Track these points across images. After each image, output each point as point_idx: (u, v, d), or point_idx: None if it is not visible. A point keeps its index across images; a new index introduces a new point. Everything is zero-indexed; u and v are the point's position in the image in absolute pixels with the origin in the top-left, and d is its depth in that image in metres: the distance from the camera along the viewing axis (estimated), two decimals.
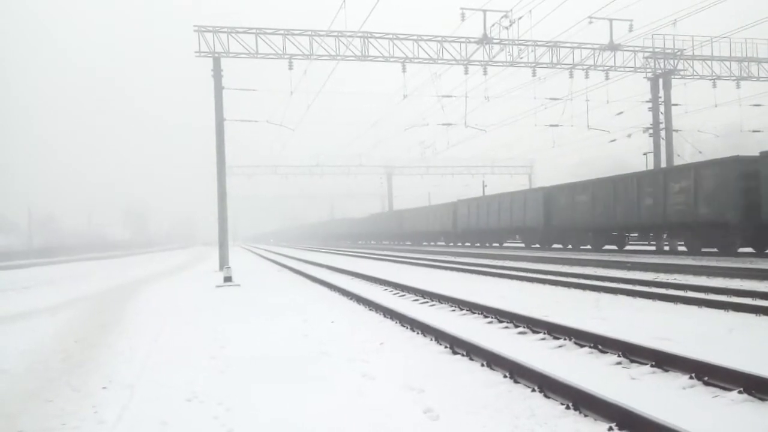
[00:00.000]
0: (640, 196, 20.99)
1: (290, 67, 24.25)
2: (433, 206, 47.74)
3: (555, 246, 28.67)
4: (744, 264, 14.61)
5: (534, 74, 26.29)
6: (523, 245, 32.22)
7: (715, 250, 18.79)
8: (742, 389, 4.48)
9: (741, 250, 18.37)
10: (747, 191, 17.08)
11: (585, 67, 26.51)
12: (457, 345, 6.53)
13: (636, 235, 25.69)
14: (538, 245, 29.13)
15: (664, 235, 23.27)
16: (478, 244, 36.65)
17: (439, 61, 25.24)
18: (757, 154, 17.08)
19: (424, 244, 49.08)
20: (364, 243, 66.63)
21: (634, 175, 22.05)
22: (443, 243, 44.70)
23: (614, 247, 24.56)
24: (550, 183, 31.11)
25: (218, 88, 23.70)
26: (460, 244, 40.08)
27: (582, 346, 6.47)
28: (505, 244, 35.69)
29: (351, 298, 12.12)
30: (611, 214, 22.56)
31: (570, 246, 26.68)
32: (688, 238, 20.29)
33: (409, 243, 52.78)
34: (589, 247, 25.30)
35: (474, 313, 9.30)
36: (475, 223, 36.03)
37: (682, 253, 20.50)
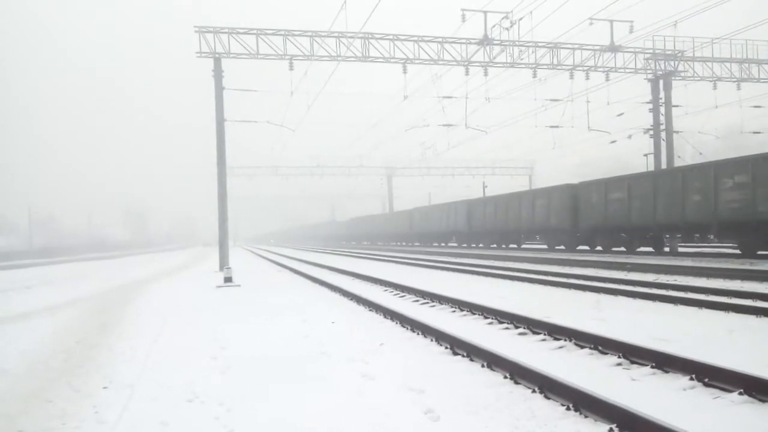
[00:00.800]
0: (686, 193, 19.10)
1: (291, 68, 24.27)
2: (445, 204, 44.67)
3: (580, 248, 26.28)
4: (744, 266, 14.61)
5: (534, 75, 26.31)
6: (545, 247, 29.78)
7: None
8: (742, 390, 4.48)
9: None
10: None
11: (585, 68, 26.53)
12: (457, 346, 6.53)
13: (679, 236, 23.36)
14: (563, 247, 27.01)
15: (711, 236, 21.27)
16: (494, 246, 34.24)
17: (440, 62, 25.26)
18: None
19: (435, 245, 46.96)
20: (368, 244, 65.98)
21: (678, 170, 20.36)
22: (455, 244, 42.76)
23: (650, 249, 22.39)
24: (550, 184, 31.11)
25: (219, 89, 23.72)
26: (474, 245, 37.34)
27: (582, 347, 6.47)
28: (523, 246, 33.71)
29: (351, 299, 12.12)
30: (650, 212, 20.56)
31: (600, 248, 24.51)
32: (743, 239, 18.49)
33: (417, 244, 50.72)
34: (623, 249, 23.18)
35: (474, 313, 9.30)
36: (491, 223, 33.71)
37: (681, 254, 20.48)
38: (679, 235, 23.15)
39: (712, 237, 21.74)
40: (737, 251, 19.28)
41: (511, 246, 33.44)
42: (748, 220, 17.18)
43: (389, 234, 57.78)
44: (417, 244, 50.74)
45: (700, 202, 18.74)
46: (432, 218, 45.11)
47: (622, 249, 23.21)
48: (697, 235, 22.28)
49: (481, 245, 36.92)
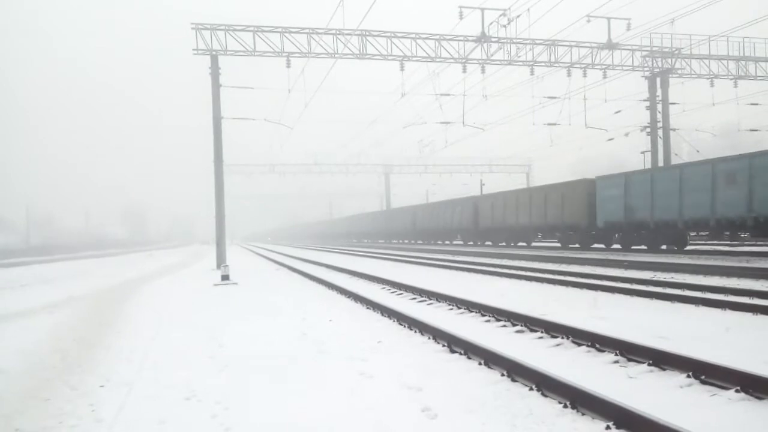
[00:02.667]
0: (716, 187, 17.50)
1: (288, 65, 24.23)
2: (451, 201, 43.61)
3: (596, 246, 25.14)
4: (741, 263, 14.65)
5: (532, 73, 26.32)
6: (557, 245, 28.77)
7: None
8: (739, 388, 4.50)
9: None
10: None
11: (583, 65, 26.55)
12: (454, 343, 6.53)
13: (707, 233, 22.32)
14: (577, 245, 25.68)
15: (744, 234, 20.11)
16: (503, 244, 33.23)
17: (438, 60, 25.25)
18: None
19: (439, 243, 46.22)
20: (368, 242, 65.80)
21: (745, 157, 17.44)
22: (461, 242, 42.07)
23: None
24: (548, 181, 31.10)
25: (216, 86, 23.65)
26: (480, 243, 36.71)
27: (580, 344, 6.48)
28: (533, 244, 32.96)
29: (349, 297, 12.12)
30: (675, 208, 19.09)
31: (632, 247, 22.56)
32: None
33: (420, 242, 50.35)
34: (664, 247, 21.35)
35: (472, 311, 9.31)
36: (500, 220, 32.49)
37: (679, 252, 20.51)
38: (707, 233, 21.84)
39: (745, 234, 20.66)
40: None
41: (520, 244, 32.33)
42: None
43: (391, 232, 57.40)
44: (420, 242, 49.99)
45: (732, 197, 17.28)
46: (436, 215, 44.02)
47: (643, 247, 22.24)
48: (728, 233, 20.99)
49: (488, 243, 35.88)
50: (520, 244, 32.80)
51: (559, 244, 28.62)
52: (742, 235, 21.05)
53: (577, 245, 26.03)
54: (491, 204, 34.01)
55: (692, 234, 22.99)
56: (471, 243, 38.02)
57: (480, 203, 36.12)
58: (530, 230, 30.88)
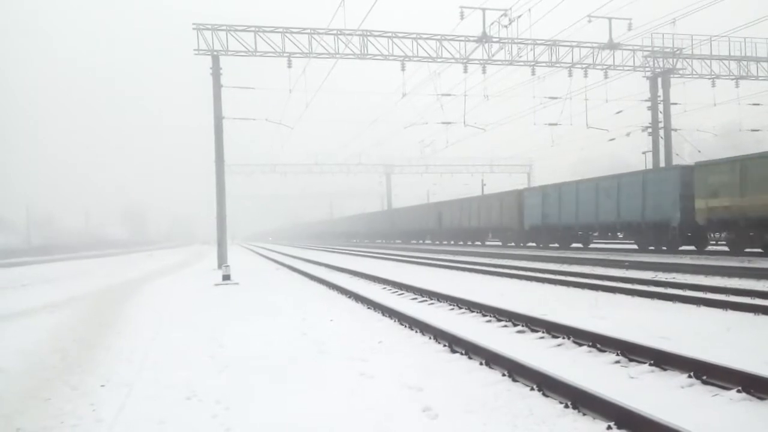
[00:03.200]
0: (621, 196, 19.11)
1: (289, 66, 24.22)
2: (422, 206, 45.93)
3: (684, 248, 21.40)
4: (742, 263, 14.63)
5: (533, 73, 26.28)
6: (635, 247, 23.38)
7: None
8: (740, 388, 4.49)
9: None
10: None
11: (584, 65, 26.52)
12: (455, 344, 6.52)
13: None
14: (664, 248, 21.12)
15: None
16: (557, 245, 28.01)
17: (438, 60, 25.22)
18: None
19: (413, 242, 47.65)
20: (368, 242, 65.91)
21: (615, 177, 20.10)
22: (429, 241, 43.82)
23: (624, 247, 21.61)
24: (550, 181, 31.05)
25: (217, 86, 23.65)
26: (522, 244, 31.60)
27: (581, 344, 6.47)
28: (487, 242, 33.88)
29: (350, 297, 12.11)
30: (592, 213, 21.24)
31: (549, 245, 24.97)
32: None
33: (398, 241, 51.83)
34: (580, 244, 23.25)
35: (473, 311, 9.30)
36: (458, 223, 35.04)
37: (679, 252, 20.49)
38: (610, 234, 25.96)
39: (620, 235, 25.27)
40: None
41: (574, 245, 28.50)
42: None
43: (376, 232, 57.95)
44: (398, 241, 52.12)
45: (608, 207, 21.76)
46: (412, 218, 46.90)
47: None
48: (610, 234, 25.95)
49: (451, 242, 39.50)
50: (476, 243, 37.48)
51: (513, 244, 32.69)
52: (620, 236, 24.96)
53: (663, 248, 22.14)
54: (451, 209, 39.53)
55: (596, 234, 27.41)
56: (512, 244, 35.09)
57: (442, 209, 41.30)
58: (481, 231, 36.10)
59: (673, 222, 19.84)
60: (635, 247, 22.78)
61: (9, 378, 6.16)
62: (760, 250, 17.44)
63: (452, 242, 41.18)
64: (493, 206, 33.14)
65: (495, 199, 33.46)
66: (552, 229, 27.27)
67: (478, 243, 37.03)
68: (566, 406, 4.34)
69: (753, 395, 4.40)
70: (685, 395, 4.65)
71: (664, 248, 20.85)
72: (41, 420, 4.64)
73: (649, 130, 29.11)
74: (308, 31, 24.28)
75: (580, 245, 27.18)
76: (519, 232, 30.65)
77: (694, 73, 28.43)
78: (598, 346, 6.22)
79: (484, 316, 8.85)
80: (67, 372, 6.25)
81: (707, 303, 8.87)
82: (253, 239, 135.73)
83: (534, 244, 29.67)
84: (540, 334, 7.24)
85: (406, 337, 7.50)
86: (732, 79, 28.60)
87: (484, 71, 25.75)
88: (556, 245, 27.55)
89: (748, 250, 17.73)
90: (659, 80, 28.47)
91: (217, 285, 16.20)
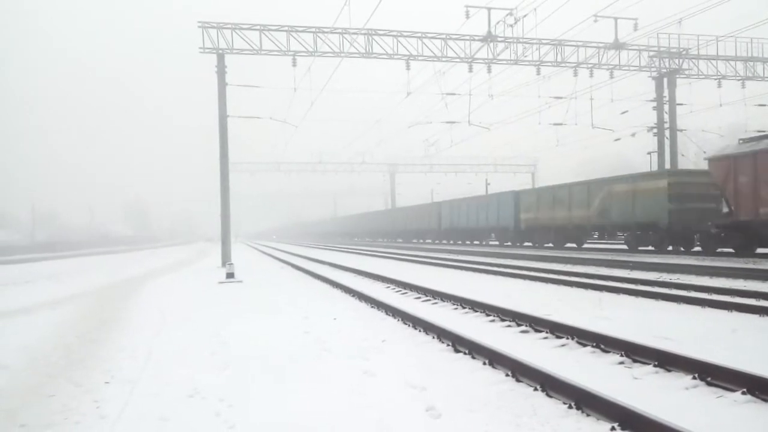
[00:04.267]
0: (496, 209, 21.57)
1: (294, 64, 24.24)
2: (422, 206, 47.69)
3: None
4: (747, 264, 14.57)
5: (538, 72, 26.25)
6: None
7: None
8: (745, 390, 4.46)
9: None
10: None
11: (589, 65, 26.46)
12: (459, 343, 6.51)
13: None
14: (508, 243, 28.87)
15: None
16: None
17: (443, 59, 25.22)
18: None
19: (414, 241, 48.55)
20: (369, 241, 65.89)
21: (493, 195, 23.22)
22: (430, 240, 45.46)
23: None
24: (555, 182, 31.01)
25: (222, 85, 23.69)
26: (443, 241, 39.05)
27: (584, 345, 6.45)
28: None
29: (353, 296, 12.11)
30: (484, 219, 27.89)
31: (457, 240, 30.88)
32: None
33: (400, 240, 52.82)
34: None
35: (477, 311, 9.28)
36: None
37: (683, 253, 20.42)
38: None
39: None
40: None
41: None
42: None
43: (379, 231, 58.37)
44: (399, 240, 53.14)
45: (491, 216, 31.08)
46: (412, 217, 48.36)
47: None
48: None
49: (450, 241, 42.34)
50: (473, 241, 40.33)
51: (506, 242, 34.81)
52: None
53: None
54: (450, 208, 41.65)
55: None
56: (437, 241, 45.21)
57: (442, 208, 43.43)
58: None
59: (510, 226, 31.76)
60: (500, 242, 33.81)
61: (13, 374, 6.18)
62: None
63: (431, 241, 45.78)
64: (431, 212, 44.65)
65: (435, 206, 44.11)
66: (456, 230, 40.08)
67: (469, 242, 40.22)
68: (570, 407, 4.33)
69: (758, 397, 4.38)
70: (689, 397, 4.62)
71: (508, 243, 33.05)
72: (45, 416, 4.65)
73: (655, 130, 29.02)
74: (313, 29, 24.29)
75: (477, 242, 38.43)
76: (437, 231, 43.73)
77: (700, 73, 28.33)
78: (602, 346, 6.20)
79: (488, 315, 8.83)
80: (70, 368, 6.26)
81: (712, 304, 8.83)
82: (257, 237, 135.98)
83: (509, 243, 33.56)
84: (544, 334, 7.22)
85: (410, 336, 7.49)
86: (738, 80, 28.49)
87: (489, 70, 25.74)
88: (460, 242, 40.57)
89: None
90: (665, 80, 28.38)
91: (220, 283, 16.22)
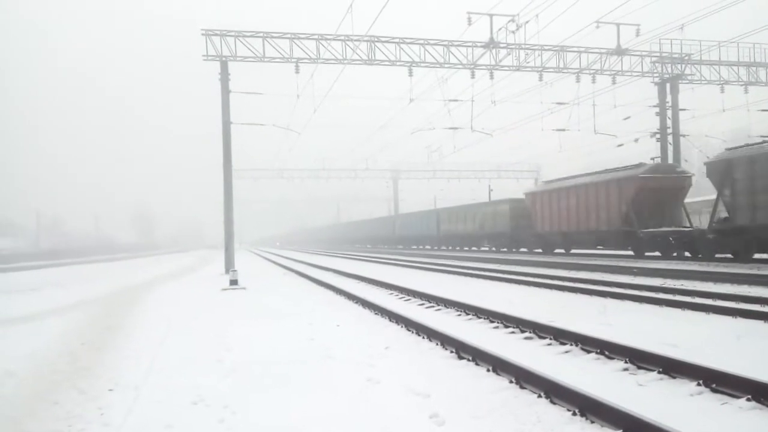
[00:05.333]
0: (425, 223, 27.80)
1: (297, 71, 24.29)
2: (423, 212, 51.61)
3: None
4: (752, 270, 14.52)
5: (541, 78, 26.25)
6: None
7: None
8: (750, 397, 4.44)
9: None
10: None
11: (592, 71, 26.47)
12: (462, 350, 6.51)
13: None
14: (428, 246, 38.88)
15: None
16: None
17: (446, 65, 25.25)
18: None
19: (414, 247, 50.88)
20: (371, 247, 66.02)
21: (433, 211, 29.55)
22: (429, 246, 47.98)
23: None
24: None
25: (225, 92, 23.77)
26: (441, 247, 43.87)
27: (588, 351, 6.43)
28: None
29: (356, 302, 12.11)
30: (425, 229, 34.27)
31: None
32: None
33: (400, 246, 54.48)
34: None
35: (480, 317, 9.27)
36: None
37: (687, 259, 20.37)
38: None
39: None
40: None
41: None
42: None
43: (379, 237, 60.52)
44: (400, 246, 54.81)
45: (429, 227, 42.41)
46: (415, 223, 50.39)
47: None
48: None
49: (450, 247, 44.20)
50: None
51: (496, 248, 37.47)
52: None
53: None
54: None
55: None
56: (436, 247, 47.36)
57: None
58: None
59: (434, 234, 43.11)
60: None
61: (18, 381, 6.20)
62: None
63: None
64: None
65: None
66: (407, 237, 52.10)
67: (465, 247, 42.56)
68: (574, 414, 4.31)
69: (763, 404, 4.36)
70: (694, 403, 4.61)
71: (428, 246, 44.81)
72: (50, 423, 4.66)
73: (658, 135, 28.97)
74: (316, 37, 24.38)
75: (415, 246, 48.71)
76: (391, 237, 55.25)
77: (702, 78, 28.31)
78: (606, 353, 6.19)
79: (492, 322, 8.82)
80: (75, 375, 6.27)
81: (716, 310, 8.80)
82: (261, 244, 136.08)
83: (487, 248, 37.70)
84: (548, 340, 7.21)
85: (413, 343, 7.48)
86: (741, 85, 28.46)
87: (491, 77, 25.74)
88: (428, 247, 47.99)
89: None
90: (668, 86, 28.36)
91: (224, 290, 16.24)
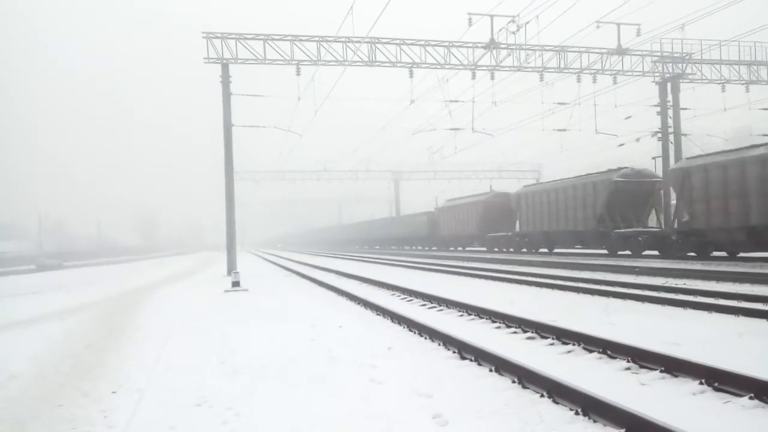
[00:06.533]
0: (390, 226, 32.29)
1: (298, 73, 24.30)
2: (414, 214, 54.27)
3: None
4: (754, 269, 14.51)
5: (541, 79, 26.22)
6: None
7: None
8: (752, 395, 4.45)
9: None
10: None
11: (593, 71, 26.44)
12: (465, 350, 6.51)
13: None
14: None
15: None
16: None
17: (447, 66, 25.24)
18: None
19: (407, 247, 53.21)
20: (384, 249, 65.91)
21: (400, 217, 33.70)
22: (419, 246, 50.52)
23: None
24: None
25: (226, 94, 23.79)
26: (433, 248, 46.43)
27: (591, 351, 6.43)
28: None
29: (359, 303, 12.12)
30: (392, 232, 37.27)
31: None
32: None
33: (394, 246, 57.38)
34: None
35: (482, 318, 9.28)
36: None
37: (689, 258, 20.36)
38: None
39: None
40: None
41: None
42: None
43: (376, 238, 62.60)
44: (394, 246, 57.60)
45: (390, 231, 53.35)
46: (406, 223, 53.61)
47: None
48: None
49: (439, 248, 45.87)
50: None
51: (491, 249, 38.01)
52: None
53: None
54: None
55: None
56: (427, 248, 49.60)
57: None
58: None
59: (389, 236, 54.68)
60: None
61: (22, 384, 6.22)
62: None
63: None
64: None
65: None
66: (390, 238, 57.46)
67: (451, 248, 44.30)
68: (577, 413, 4.32)
69: (766, 402, 4.36)
70: (696, 402, 4.61)
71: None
72: (53, 426, 4.68)
73: (659, 135, 28.95)
74: (317, 38, 24.40)
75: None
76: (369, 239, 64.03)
77: (703, 77, 28.27)
78: (609, 352, 6.19)
79: (494, 322, 8.82)
80: (79, 378, 6.29)
81: (718, 309, 8.80)
82: (263, 246, 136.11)
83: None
84: (550, 340, 7.22)
85: (416, 344, 7.49)
86: (742, 84, 28.41)
87: (492, 77, 25.73)
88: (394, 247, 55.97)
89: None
90: (669, 85, 28.32)
91: (226, 291, 16.26)
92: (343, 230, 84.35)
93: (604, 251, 24.99)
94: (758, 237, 17.34)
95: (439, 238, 43.73)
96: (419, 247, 49.98)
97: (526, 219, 30.35)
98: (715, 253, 19.70)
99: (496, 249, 34.81)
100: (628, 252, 23.16)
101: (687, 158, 21.22)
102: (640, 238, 22.63)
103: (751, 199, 17.25)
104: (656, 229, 23.14)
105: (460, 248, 41.57)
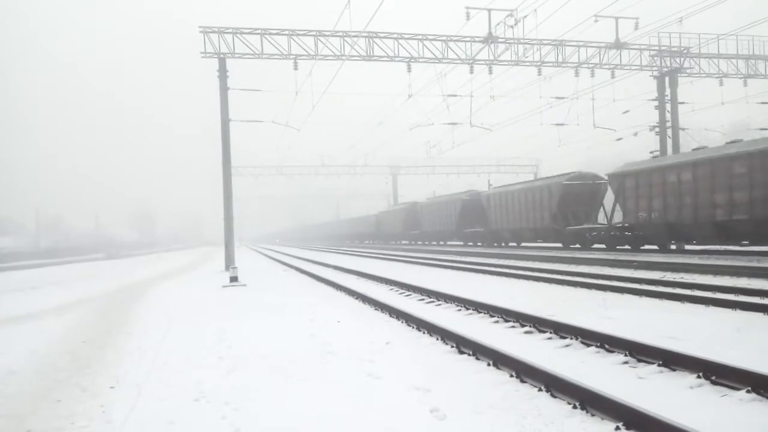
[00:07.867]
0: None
1: (295, 68, 24.24)
2: (399, 209, 55.47)
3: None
4: (751, 263, 14.53)
5: (539, 73, 26.20)
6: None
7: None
8: (750, 389, 4.46)
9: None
10: None
11: (591, 65, 26.41)
12: (463, 344, 6.52)
13: None
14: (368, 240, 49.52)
15: None
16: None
17: (444, 61, 25.20)
18: None
19: (402, 242, 53.41)
20: (369, 243, 66.08)
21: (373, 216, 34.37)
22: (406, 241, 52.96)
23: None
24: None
25: (224, 89, 23.74)
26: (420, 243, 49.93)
27: (589, 345, 6.45)
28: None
29: (357, 298, 12.13)
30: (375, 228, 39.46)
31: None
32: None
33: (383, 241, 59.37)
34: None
35: (480, 312, 9.29)
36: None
37: (687, 252, 20.40)
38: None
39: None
40: None
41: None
42: None
43: (367, 233, 63.55)
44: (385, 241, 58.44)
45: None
46: (395, 219, 54.29)
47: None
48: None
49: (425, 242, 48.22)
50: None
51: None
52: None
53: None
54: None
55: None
56: (419, 243, 50.52)
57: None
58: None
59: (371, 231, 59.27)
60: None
61: (20, 379, 6.22)
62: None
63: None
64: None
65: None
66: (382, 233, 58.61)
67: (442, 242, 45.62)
68: (574, 407, 4.34)
69: (763, 396, 4.38)
70: (694, 396, 4.63)
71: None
72: (52, 421, 4.68)
73: (657, 129, 28.95)
74: (314, 33, 24.32)
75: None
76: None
77: (701, 72, 28.27)
78: (606, 346, 6.21)
79: (492, 316, 8.84)
80: (77, 373, 6.30)
81: (716, 303, 8.82)
82: (261, 241, 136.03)
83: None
84: (548, 334, 7.23)
85: (414, 338, 7.50)
86: (740, 78, 28.43)
87: (490, 72, 25.69)
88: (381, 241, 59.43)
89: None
90: (666, 79, 28.30)
91: (224, 287, 16.26)
92: (339, 225, 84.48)
93: (560, 244, 28.11)
94: (676, 232, 20.63)
95: (422, 233, 47.13)
96: (404, 242, 52.69)
97: (495, 217, 33.48)
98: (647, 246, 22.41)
99: (470, 243, 38.19)
100: (578, 245, 26.00)
101: (624, 164, 23.71)
102: (587, 234, 25.23)
103: (669, 199, 20.20)
104: (603, 226, 25.33)
105: (441, 242, 44.89)
